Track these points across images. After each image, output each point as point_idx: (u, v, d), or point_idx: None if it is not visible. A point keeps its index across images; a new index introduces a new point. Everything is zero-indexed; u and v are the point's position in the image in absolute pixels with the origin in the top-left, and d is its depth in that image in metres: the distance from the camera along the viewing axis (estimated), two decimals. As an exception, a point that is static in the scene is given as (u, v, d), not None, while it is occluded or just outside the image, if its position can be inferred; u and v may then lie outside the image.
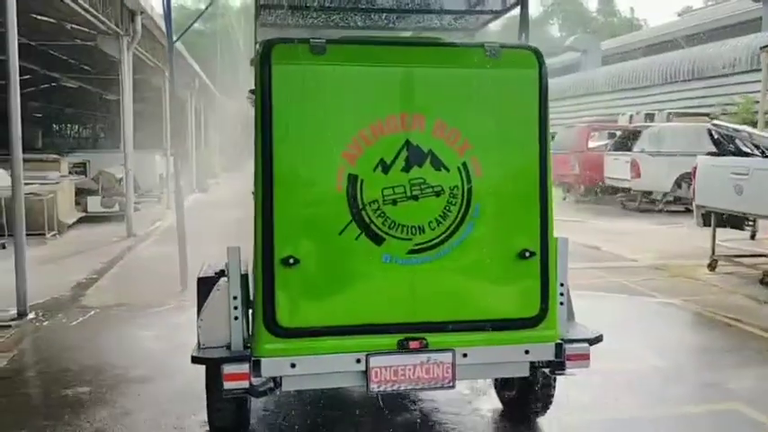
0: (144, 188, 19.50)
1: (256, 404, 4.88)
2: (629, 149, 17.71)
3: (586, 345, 4.01)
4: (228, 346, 3.82)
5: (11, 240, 12.23)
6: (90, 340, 6.98)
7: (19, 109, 7.70)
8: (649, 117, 23.93)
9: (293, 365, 3.71)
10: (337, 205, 3.71)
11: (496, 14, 4.75)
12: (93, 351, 6.63)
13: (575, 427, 4.83)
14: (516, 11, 4.63)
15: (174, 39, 9.62)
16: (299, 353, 3.71)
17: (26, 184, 13.15)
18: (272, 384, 3.83)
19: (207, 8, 9.62)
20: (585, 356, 4.00)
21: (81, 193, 16.43)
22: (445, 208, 3.81)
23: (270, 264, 3.66)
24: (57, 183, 14.19)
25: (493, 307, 3.92)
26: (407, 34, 4.97)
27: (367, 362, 3.74)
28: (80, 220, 15.49)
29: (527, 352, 3.94)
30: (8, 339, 6.97)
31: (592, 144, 20.16)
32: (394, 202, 3.76)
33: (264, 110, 3.64)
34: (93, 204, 16.12)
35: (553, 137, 22.84)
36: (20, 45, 14.95)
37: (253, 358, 3.68)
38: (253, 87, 3.75)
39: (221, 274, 4.03)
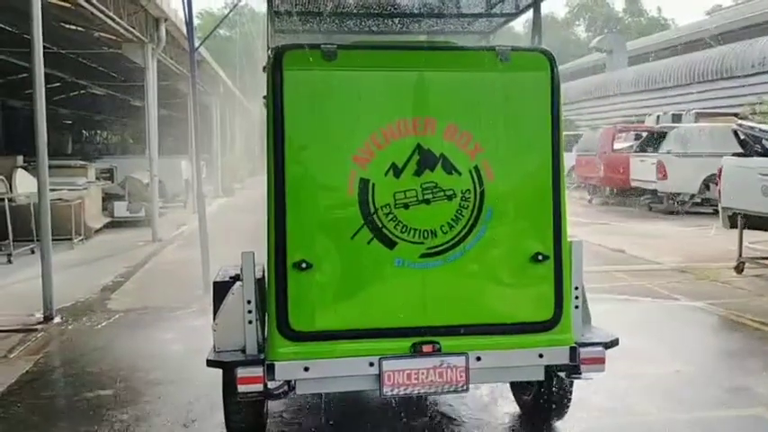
0: (170, 193, 19.71)
1: (272, 406, 4.93)
2: (655, 151, 17.50)
3: (602, 348, 3.97)
4: (243, 350, 3.85)
5: (39, 245, 12.53)
6: (113, 343, 7.07)
7: (44, 116, 7.83)
8: (676, 118, 23.65)
9: (306, 369, 3.73)
10: (349, 209, 3.73)
11: (509, 17, 4.74)
12: (117, 354, 6.72)
13: (592, 431, 4.79)
14: (529, 14, 4.61)
15: (196, 45, 9.74)
16: (312, 356, 3.73)
17: (54, 189, 13.46)
18: (286, 388, 3.85)
19: (227, 15, 9.66)
20: (601, 360, 3.96)
21: (108, 198, 16.67)
22: (457, 212, 3.81)
23: (282, 268, 3.69)
24: (84, 188, 14.40)
25: (506, 310, 3.90)
26: (422, 38, 4.98)
27: (380, 365, 3.74)
28: (107, 225, 15.71)
29: (541, 356, 3.91)
30: (34, 343, 7.09)
31: (618, 145, 19.95)
32: (406, 206, 3.76)
33: (276, 115, 3.68)
34: (120, 209, 16.33)
35: (578, 139, 22.73)
36: (50, 53, 15.27)
37: (267, 362, 3.71)
38: (266, 93, 3.77)
39: (236, 278, 4.07)
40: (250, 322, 3.84)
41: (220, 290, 4.18)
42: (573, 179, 22.97)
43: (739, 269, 9.83)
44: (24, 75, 20.10)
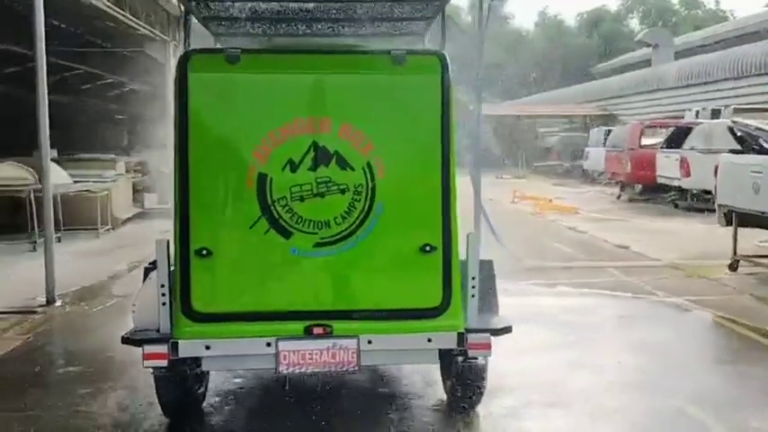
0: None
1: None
2: (681, 147, 17.28)
3: (488, 335, 4.20)
4: (158, 330, 4.22)
5: (65, 234, 13.28)
6: (102, 326, 7.55)
7: (47, 111, 8.37)
8: (715, 113, 23.13)
9: (208, 347, 4.08)
10: (248, 201, 4.06)
11: (429, 20, 4.97)
12: (101, 335, 7.19)
13: (506, 415, 4.98)
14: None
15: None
16: (213, 336, 4.08)
17: (81, 181, 14.22)
18: (192, 364, 4.21)
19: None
20: (487, 345, 4.21)
21: (142, 190, 17.48)
22: (350, 205, 4.09)
23: (186, 255, 4.05)
24: (112, 181, 15.11)
25: (396, 297, 4.18)
26: (351, 41, 5.24)
27: (276, 346, 4.07)
28: (138, 216, 16.42)
29: (430, 340, 4.17)
30: (30, 324, 7.64)
31: (649, 141, 19.72)
32: (301, 199, 4.07)
33: (182, 114, 4.03)
34: (151, 201, 17.06)
35: (608, 134, 22.51)
36: (99, 52, 15.87)
37: (171, 340, 4.07)
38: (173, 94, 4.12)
39: (155, 264, 4.44)
40: (164, 304, 4.19)
41: (146, 274, 4.56)
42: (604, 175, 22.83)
43: (733, 267, 9.76)
44: (74, 71, 21.07)
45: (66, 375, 5.88)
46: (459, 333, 4.16)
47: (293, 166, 4.07)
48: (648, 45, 38.32)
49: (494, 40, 50.97)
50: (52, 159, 15.18)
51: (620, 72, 42.71)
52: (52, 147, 16.57)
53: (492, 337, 4.28)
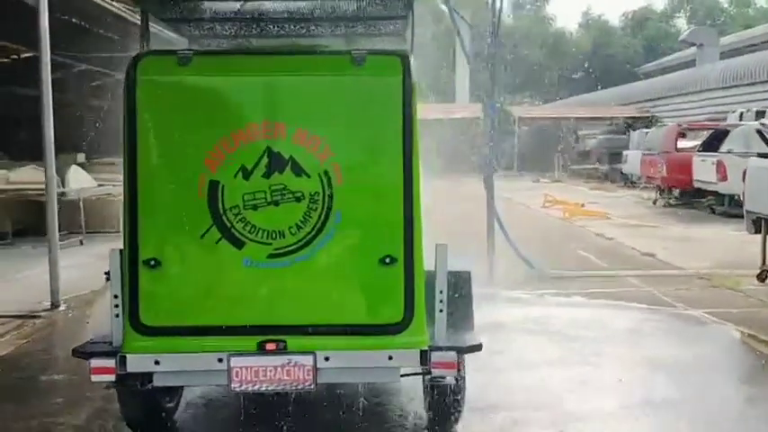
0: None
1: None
2: (718, 150, 16.61)
3: (454, 353, 3.93)
4: (111, 342, 4.06)
5: (88, 237, 13.39)
6: (100, 332, 7.49)
7: (51, 114, 8.35)
8: (760, 114, 22.26)
9: (157, 362, 3.90)
10: (199, 210, 3.87)
11: (404, 18, 4.72)
12: (95, 342, 7.12)
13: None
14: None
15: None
16: (162, 350, 3.89)
17: (105, 184, 14.34)
18: (142, 379, 4.03)
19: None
20: (452, 365, 3.93)
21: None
22: (306, 213, 3.87)
23: (134, 265, 3.88)
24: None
25: (355, 312, 3.94)
26: (322, 41, 5.02)
27: (228, 362, 3.86)
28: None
29: (390, 358, 3.91)
30: (30, 328, 7.62)
31: (683, 144, 19.05)
32: (254, 208, 3.87)
33: (130, 119, 3.86)
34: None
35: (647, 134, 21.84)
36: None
37: (119, 354, 3.90)
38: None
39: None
40: (117, 316, 4.03)
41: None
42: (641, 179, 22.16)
43: (762, 277, 9.23)
44: (113, 77, 21.37)
45: (48, 383, 5.80)
46: (422, 351, 3.90)
47: (246, 173, 3.87)
48: (692, 44, 37.14)
49: (535, 40, 50.27)
50: (78, 163, 15.48)
51: (665, 73, 41.61)
52: (80, 150, 16.88)
53: (461, 356, 4.01)
